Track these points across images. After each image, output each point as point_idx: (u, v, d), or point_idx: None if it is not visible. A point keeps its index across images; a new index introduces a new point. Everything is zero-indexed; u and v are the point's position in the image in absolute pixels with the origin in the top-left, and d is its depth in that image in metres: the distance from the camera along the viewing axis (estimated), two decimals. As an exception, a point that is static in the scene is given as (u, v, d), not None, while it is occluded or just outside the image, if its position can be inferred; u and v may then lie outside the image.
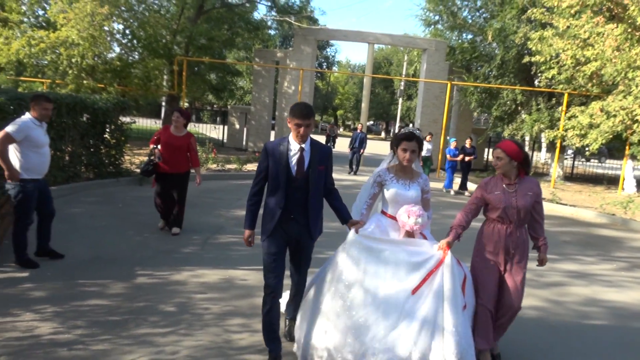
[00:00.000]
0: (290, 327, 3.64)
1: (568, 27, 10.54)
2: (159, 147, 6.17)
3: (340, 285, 3.13)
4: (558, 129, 13.09)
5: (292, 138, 3.21)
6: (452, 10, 19.70)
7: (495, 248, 3.41)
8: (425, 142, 12.79)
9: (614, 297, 5.30)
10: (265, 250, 3.26)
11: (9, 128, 4.50)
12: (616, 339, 4.22)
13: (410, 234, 3.32)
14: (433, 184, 13.16)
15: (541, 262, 3.58)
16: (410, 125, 20.61)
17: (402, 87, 41.62)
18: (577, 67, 10.54)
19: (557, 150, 15.45)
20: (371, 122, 60.94)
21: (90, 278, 4.55)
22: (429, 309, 3.00)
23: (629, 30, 8.67)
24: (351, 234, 3.20)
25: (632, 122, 9.28)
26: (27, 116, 4.68)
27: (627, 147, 14.06)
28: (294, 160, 3.19)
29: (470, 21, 19.88)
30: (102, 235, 5.97)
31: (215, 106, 45.45)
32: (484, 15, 19.62)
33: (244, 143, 20.72)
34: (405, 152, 3.35)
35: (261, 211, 3.33)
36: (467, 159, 12.85)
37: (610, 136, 10.44)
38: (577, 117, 11.15)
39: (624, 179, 15.34)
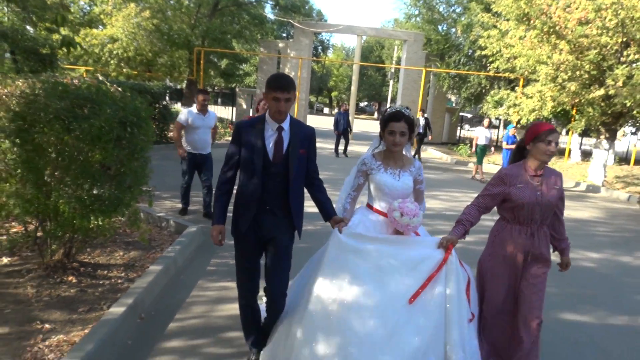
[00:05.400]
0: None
1: (507, 30, 13.81)
2: None
3: (321, 294, 2.66)
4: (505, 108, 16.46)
5: (268, 116, 2.77)
6: (430, 5, 22.94)
7: (513, 253, 2.89)
8: (483, 129, 12.41)
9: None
10: (238, 249, 2.87)
11: (179, 117, 6.20)
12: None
13: (400, 234, 2.85)
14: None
15: (566, 266, 3.09)
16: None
17: (392, 71, 44.74)
18: (510, 60, 13.85)
19: (486, 121, 18.86)
20: (365, 103, 64.09)
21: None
22: (429, 323, 2.57)
23: (541, 34, 11.97)
24: (334, 234, 2.78)
25: (543, 103, 12.66)
26: (192, 107, 6.41)
27: (572, 122, 17.48)
28: (271, 142, 2.74)
29: (445, 15, 23.11)
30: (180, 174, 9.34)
31: (216, 88, 48.54)
32: (457, 10, 22.85)
33: (250, 121, 24.07)
34: (393, 134, 2.85)
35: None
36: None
37: (538, 114, 13.76)
38: (505, 99, 14.59)
39: (569, 150, 18.81)
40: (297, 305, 2.83)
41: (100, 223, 3.86)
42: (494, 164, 15.84)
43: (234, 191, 2.92)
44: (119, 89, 4.44)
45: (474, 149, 12.50)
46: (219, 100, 44.21)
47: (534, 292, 2.87)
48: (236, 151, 2.79)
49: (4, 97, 3.86)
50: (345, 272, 2.67)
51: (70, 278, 4.08)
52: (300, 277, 3.14)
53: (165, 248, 5.01)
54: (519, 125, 13.66)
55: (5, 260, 4.37)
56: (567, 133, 16.78)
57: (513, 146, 11.69)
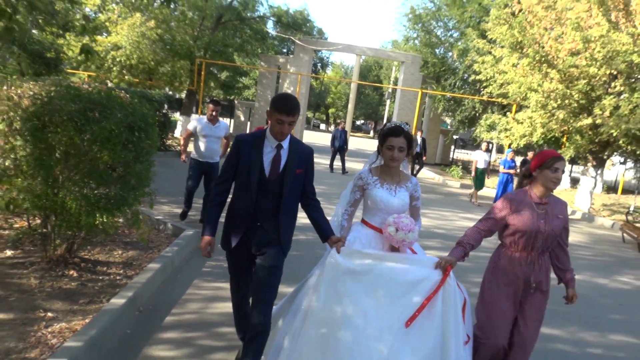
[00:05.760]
0: None
1: (501, 57, 14.28)
2: None
3: (317, 318, 2.64)
4: (497, 132, 16.88)
5: (269, 133, 2.78)
6: (428, 29, 23.54)
7: (513, 280, 2.89)
8: (481, 152, 12.42)
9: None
10: (229, 262, 2.95)
11: (189, 125, 6.43)
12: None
13: (395, 249, 2.86)
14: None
15: (571, 298, 3.03)
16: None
17: (389, 90, 45.42)
18: (503, 86, 14.30)
19: (506, 147, 19.32)
20: (362, 122, 64.76)
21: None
22: (426, 346, 2.55)
23: (533, 63, 12.40)
24: (331, 255, 2.72)
25: (534, 129, 13.05)
26: (203, 115, 6.87)
27: (561, 148, 17.93)
28: (269, 159, 2.76)
29: (442, 39, 23.70)
30: (178, 181, 9.56)
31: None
32: (454, 34, 23.46)
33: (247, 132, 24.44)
34: (391, 150, 2.85)
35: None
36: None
37: (529, 139, 14.14)
38: (497, 123, 15.01)
39: (558, 176, 19.23)
40: (293, 327, 2.76)
41: (105, 220, 4.08)
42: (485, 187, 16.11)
43: (227, 204, 2.96)
44: (127, 95, 4.69)
45: (473, 173, 12.39)
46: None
47: (532, 327, 2.88)
48: (233, 164, 2.80)
49: (15, 97, 4.10)
50: (342, 295, 2.64)
51: (71, 272, 4.27)
52: (296, 298, 3.01)
53: (162, 249, 5.22)
54: (484, 145, 13.63)
55: (8, 253, 4.56)
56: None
57: (511, 171, 11.97)
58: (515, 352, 2.88)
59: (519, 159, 17.38)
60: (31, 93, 4.14)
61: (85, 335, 2.99)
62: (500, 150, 23.08)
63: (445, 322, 2.59)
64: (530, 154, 12.87)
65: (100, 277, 4.30)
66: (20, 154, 4.05)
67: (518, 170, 11.83)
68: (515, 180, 12.06)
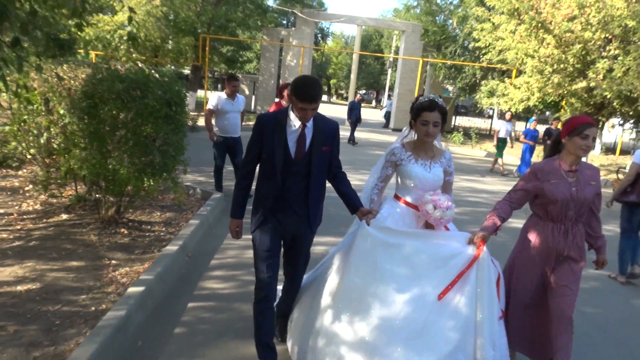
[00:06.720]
0: (281, 325, 3.18)
1: (500, 23, 14.66)
2: None
3: (348, 288, 2.66)
4: (496, 97, 17.35)
5: (292, 112, 2.67)
6: (428, -3, 23.74)
7: (546, 250, 2.85)
8: (504, 122, 12.47)
9: (484, 186, 9.71)
10: (256, 245, 2.80)
11: (208, 103, 6.60)
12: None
13: (430, 226, 2.83)
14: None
15: (602, 264, 3.02)
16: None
17: (391, 59, 45.41)
18: (502, 52, 14.73)
19: (508, 114, 19.83)
20: (363, 91, 64.80)
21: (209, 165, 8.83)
22: (459, 321, 2.53)
23: (530, 29, 12.81)
24: (362, 227, 2.71)
25: (531, 93, 13.55)
26: (222, 92, 6.65)
27: (560, 112, 18.42)
28: (293, 139, 2.67)
29: (442, 7, 23.90)
30: (197, 152, 10.16)
31: (216, 74, 49.22)
32: (454, 2, 23.64)
33: (252, 106, 24.90)
34: (426, 125, 2.79)
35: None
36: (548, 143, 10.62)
37: (527, 104, 14.65)
38: (496, 89, 15.50)
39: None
40: (324, 299, 2.77)
41: (151, 184, 4.76)
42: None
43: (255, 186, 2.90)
44: (156, 75, 5.29)
45: (495, 142, 12.40)
46: (219, 86, 45.11)
47: (566, 293, 2.82)
48: (257, 146, 2.72)
49: (51, 79, 4.73)
50: (375, 267, 2.62)
51: (122, 230, 4.98)
52: (325, 268, 3.04)
53: (195, 210, 5.91)
54: (508, 114, 14.03)
55: (64, 216, 5.26)
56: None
57: (530, 142, 11.87)
58: (555, 319, 2.83)
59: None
60: (71, 75, 4.77)
61: (153, 272, 3.72)
62: (501, 116, 23.49)
63: (479, 297, 2.56)
64: (554, 123, 12.82)
65: (147, 234, 5.01)
66: (73, 129, 4.71)
67: (541, 139, 11.97)
68: (537, 150, 12.09)
